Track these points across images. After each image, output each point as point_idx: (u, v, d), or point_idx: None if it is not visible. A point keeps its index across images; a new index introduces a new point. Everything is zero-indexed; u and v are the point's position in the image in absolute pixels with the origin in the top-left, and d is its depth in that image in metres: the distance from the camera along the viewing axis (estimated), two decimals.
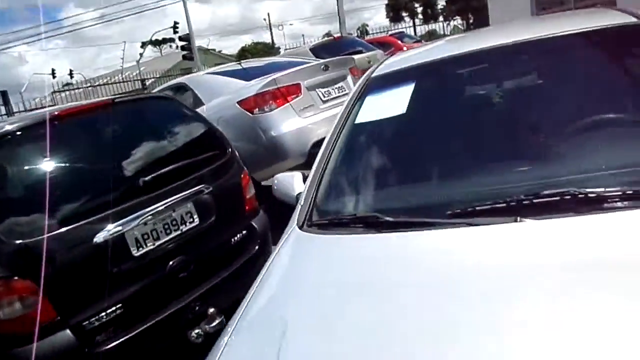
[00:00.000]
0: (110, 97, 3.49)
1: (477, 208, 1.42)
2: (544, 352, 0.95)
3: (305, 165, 4.83)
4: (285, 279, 1.54)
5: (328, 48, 8.48)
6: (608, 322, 0.97)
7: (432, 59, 2.26)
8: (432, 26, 37.30)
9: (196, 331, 2.70)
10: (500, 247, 1.30)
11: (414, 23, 35.83)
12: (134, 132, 2.92)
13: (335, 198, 1.87)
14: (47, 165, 2.49)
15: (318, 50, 8.24)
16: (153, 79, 20.99)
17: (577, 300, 1.05)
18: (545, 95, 1.92)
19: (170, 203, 2.71)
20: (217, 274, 2.91)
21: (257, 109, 4.62)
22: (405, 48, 12.24)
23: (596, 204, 1.30)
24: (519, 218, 1.32)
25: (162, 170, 2.75)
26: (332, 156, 1.98)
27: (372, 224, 1.55)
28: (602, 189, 1.34)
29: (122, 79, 23.69)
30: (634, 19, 1.92)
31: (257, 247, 3.22)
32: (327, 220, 1.71)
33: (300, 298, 1.38)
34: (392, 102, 2.06)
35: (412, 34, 20.24)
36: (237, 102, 4.63)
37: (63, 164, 2.60)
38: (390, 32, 18.69)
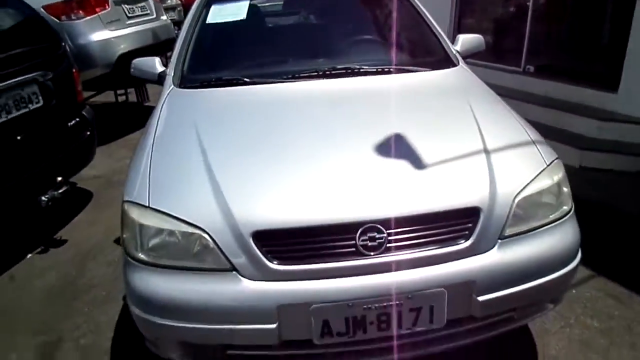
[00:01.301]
0: None
1: (301, 75, 2.43)
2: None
3: (111, 75, 5.16)
4: (179, 113, 2.27)
5: None
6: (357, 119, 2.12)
7: None
8: None
9: (46, 196, 3.13)
10: (316, 88, 2.39)
11: None
12: None
13: (200, 70, 2.64)
14: None
15: None
16: None
17: (348, 106, 2.21)
18: (334, 21, 3.03)
19: (19, 82, 3.02)
20: (60, 150, 3.33)
21: (64, 16, 4.76)
22: None
23: (361, 74, 2.47)
24: (326, 79, 2.39)
25: (10, 52, 3.04)
26: (191, 43, 2.72)
27: (236, 82, 2.41)
28: (365, 67, 2.50)
29: None
30: None
31: (88, 133, 3.68)
32: (199, 82, 2.48)
33: (202, 119, 2.14)
34: (234, 11, 2.88)
35: None
36: (43, 7, 4.67)
37: None
38: None
